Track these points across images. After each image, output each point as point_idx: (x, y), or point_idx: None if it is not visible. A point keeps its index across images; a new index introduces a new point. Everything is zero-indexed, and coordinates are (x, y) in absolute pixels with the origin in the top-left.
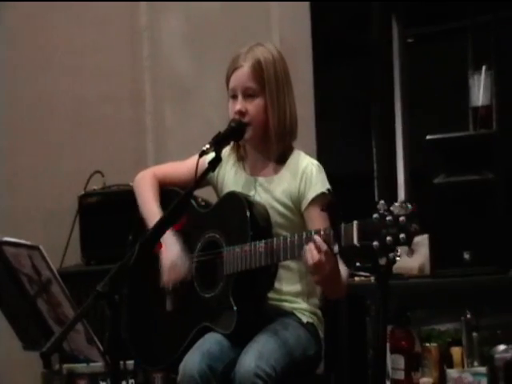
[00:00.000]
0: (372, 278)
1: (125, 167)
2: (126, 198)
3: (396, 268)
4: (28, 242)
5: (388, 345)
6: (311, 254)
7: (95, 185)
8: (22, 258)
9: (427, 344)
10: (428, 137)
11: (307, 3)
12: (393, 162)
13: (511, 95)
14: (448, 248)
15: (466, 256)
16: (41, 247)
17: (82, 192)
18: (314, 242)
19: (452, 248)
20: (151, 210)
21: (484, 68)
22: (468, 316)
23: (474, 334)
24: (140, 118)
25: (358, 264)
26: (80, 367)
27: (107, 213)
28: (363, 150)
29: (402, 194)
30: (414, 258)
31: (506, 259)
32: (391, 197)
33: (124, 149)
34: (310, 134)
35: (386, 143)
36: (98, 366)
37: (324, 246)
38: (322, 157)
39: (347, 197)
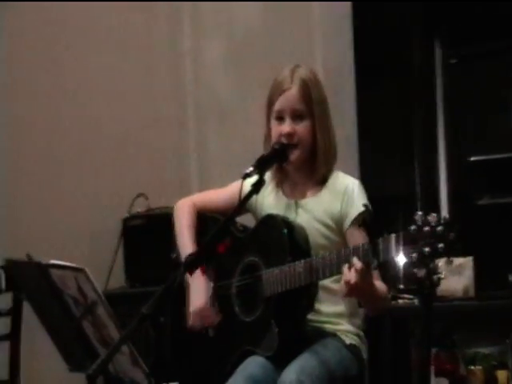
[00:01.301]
0: (416, 301)
1: (168, 190)
2: (170, 221)
3: (440, 291)
4: (73, 265)
5: (432, 368)
6: (346, 274)
7: (139, 207)
8: (68, 280)
9: (472, 367)
10: (472, 158)
11: (349, 24)
12: (435, 183)
13: None
14: (492, 270)
15: (511, 278)
16: (86, 269)
17: (127, 214)
18: (350, 261)
19: (496, 270)
20: (183, 238)
21: None
22: None
23: None
24: (183, 141)
25: (401, 286)
26: None
27: (151, 235)
28: (406, 171)
29: (444, 214)
30: (458, 280)
31: None
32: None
33: (167, 172)
34: (353, 155)
35: (429, 164)
36: None
37: (359, 264)
38: (364, 177)
39: (389, 218)
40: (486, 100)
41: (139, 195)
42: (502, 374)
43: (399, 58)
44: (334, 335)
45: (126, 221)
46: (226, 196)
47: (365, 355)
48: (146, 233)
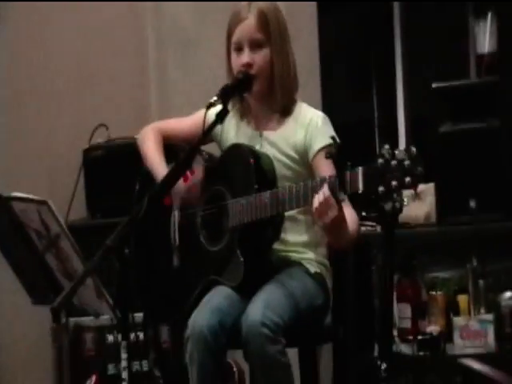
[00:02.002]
0: (378, 228)
1: (128, 120)
2: (131, 151)
3: (402, 217)
4: (36, 197)
5: (395, 294)
6: (315, 200)
7: (99, 138)
8: (31, 213)
9: (433, 292)
10: (434, 85)
11: None
12: (394, 110)
13: None
14: (454, 196)
15: (472, 204)
16: (49, 202)
17: (87, 145)
18: (318, 189)
19: (458, 196)
20: (155, 162)
21: (490, 15)
22: (474, 263)
23: (480, 282)
24: (143, 70)
25: (363, 213)
26: (87, 321)
27: (112, 166)
28: (365, 98)
29: (402, 141)
30: (419, 206)
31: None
32: (392, 144)
33: (127, 102)
34: (315, 83)
35: (387, 91)
36: (105, 319)
37: (327, 193)
38: (325, 105)
39: (348, 145)
40: (445, 27)
41: (99, 126)
42: (462, 299)
43: None
44: (299, 264)
45: (86, 152)
46: (190, 124)
47: (330, 284)
48: (107, 163)
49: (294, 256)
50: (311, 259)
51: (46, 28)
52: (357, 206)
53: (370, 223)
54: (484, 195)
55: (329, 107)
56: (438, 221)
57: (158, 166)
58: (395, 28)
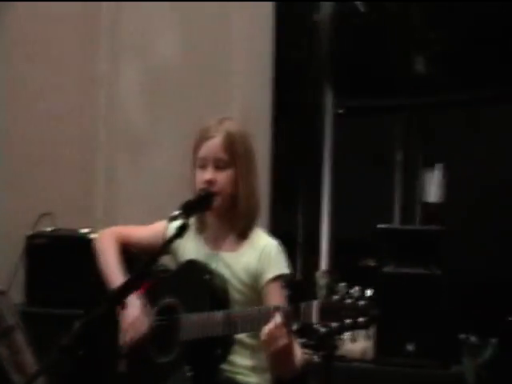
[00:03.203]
0: (316, 357)
1: (74, 212)
2: (75, 243)
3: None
4: None
5: None
6: (266, 328)
7: (43, 227)
8: None
9: None
10: (379, 225)
11: (270, 66)
12: (317, 230)
13: (461, 194)
14: (392, 337)
15: (410, 347)
16: (8, 293)
17: (31, 232)
18: (271, 317)
19: (396, 337)
20: (112, 271)
21: (438, 166)
22: None
23: None
24: (92, 165)
25: (301, 340)
26: None
27: (55, 255)
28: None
29: (323, 262)
30: (357, 342)
31: (449, 354)
32: (313, 264)
33: (75, 194)
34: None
35: (311, 212)
36: None
37: (279, 321)
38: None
39: None
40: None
41: (45, 214)
42: None
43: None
44: None
45: (29, 239)
46: (149, 234)
47: None
48: (50, 253)
49: (241, 378)
50: None
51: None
52: (296, 333)
53: (307, 351)
54: (422, 340)
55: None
56: (375, 359)
57: (116, 278)
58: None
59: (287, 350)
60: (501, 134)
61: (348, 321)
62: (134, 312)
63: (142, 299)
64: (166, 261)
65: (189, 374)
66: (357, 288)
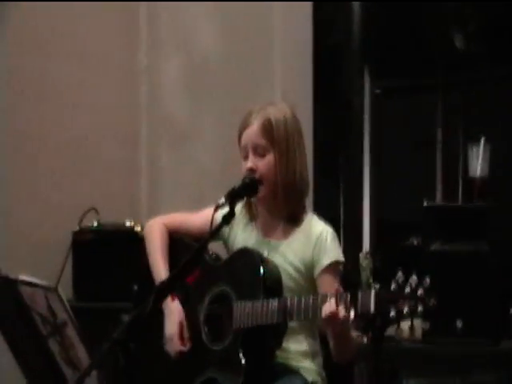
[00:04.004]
0: (364, 338)
1: (118, 206)
2: (120, 237)
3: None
4: (45, 283)
5: None
6: (326, 307)
7: (89, 222)
8: (38, 298)
9: None
10: (425, 203)
11: (310, 53)
12: (359, 214)
13: (505, 169)
14: (441, 315)
15: (459, 324)
16: (59, 289)
17: (77, 228)
18: (331, 302)
19: (445, 315)
20: (157, 262)
21: (483, 139)
22: None
23: None
24: (135, 158)
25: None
26: None
27: (101, 250)
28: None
29: (367, 245)
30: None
31: (499, 331)
32: (356, 246)
33: (119, 188)
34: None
35: (353, 193)
36: None
37: (339, 305)
38: None
39: None
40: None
41: (90, 209)
42: None
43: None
44: (296, 372)
45: (75, 234)
46: (198, 222)
47: None
48: (96, 248)
49: (293, 364)
50: (309, 369)
51: (43, 105)
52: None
53: (356, 333)
54: (471, 317)
55: None
56: (423, 339)
57: (160, 268)
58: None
59: (344, 334)
60: None
61: (406, 309)
62: (171, 327)
63: (179, 309)
64: (218, 250)
65: (243, 362)
66: (415, 277)
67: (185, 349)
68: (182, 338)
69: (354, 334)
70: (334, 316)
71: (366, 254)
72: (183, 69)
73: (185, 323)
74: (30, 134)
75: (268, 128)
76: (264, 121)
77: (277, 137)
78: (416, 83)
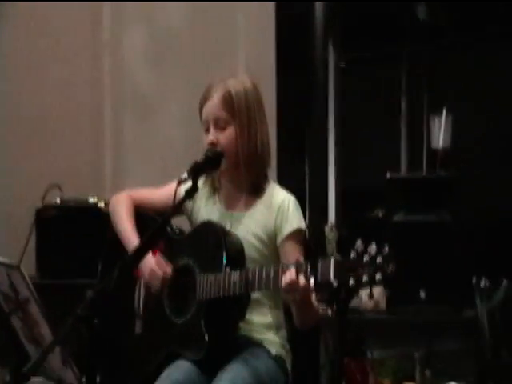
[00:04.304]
0: (329, 311)
1: (82, 182)
2: (84, 213)
3: (351, 302)
4: (8, 261)
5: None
6: (286, 276)
7: (52, 198)
8: (0, 276)
9: (381, 378)
10: (388, 175)
11: (273, 23)
12: (325, 186)
13: (467, 139)
14: (404, 285)
15: (422, 294)
16: (21, 267)
17: (40, 205)
18: (290, 271)
19: (408, 285)
20: (126, 230)
21: (445, 110)
22: (421, 353)
23: (427, 371)
24: (99, 133)
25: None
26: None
27: (64, 227)
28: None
29: (332, 217)
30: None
31: (461, 300)
32: (322, 219)
33: (82, 163)
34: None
35: (318, 166)
36: None
37: (298, 274)
38: None
39: None
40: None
41: (53, 185)
42: None
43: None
44: (259, 344)
45: (39, 211)
46: (162, 196)
47: (289, 367)
48: (59, 224)
49: (256, 336)
50: (273, 341)
51: (4, 78)
52: (324, 291)
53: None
54: (434, 286)
55: None
56: (387, 309)
57: (130, 236)
58: (329, 102)
59: (305, 302)
60: (503, 73)
61: (365, 278)
62: (151, 261)
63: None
64: (180, 223)
65: (206, 334)
66: (374, 245)
67: (167, 275)
68: (161, 266)
69: (316, 303)
70: (293, 284)
71: (332, 226)
72: (147, 41)
73: (161, 258)
74: None
75: (228, 100)
76: (224, 93)
77: (237, 109)
78: (379, 55)
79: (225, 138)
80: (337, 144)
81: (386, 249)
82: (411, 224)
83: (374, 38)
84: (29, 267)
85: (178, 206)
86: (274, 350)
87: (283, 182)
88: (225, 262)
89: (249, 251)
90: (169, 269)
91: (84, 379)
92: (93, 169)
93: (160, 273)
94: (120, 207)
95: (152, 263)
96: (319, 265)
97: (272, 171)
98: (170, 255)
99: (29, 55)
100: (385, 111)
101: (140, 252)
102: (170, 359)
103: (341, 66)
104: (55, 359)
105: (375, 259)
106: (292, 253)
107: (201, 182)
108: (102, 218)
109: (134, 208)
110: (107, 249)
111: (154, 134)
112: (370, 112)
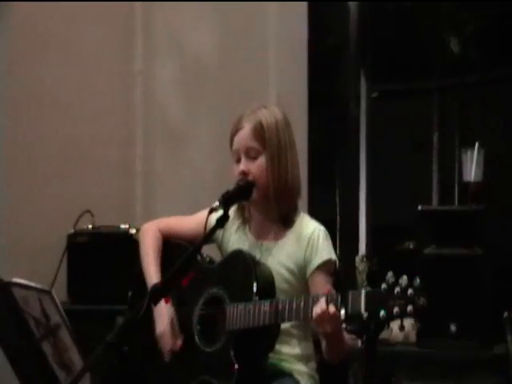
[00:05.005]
0: (358, 342)
1: (113, 209)
2: (115, 240)
3: (381, 334)
4: (39, 286)
5: None
6: (317, 307)
7: (84, 224)
8: (32, 301)
9: None
10: (420, 207)
11: (305, 56)
12: (356, 217)
13: (500, 173)
14: (435, 318)
15: (453, 328)
16: (52, 292)
17: (72, 230)
18: (321, 302)
19: (439, 319)
20: (149, 268)
21: (477, 144)
22: None
23: None
24: (130, 161)
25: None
26: None
27: (95, 253)
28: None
29: (363, 248)
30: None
31: (492, 334)
32: (352, 250)
33: (113, 190)
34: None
35: (349, 197)
36: None
37: (329, 305)
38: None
39: None
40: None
41: (85, 212)
42: None
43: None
44: (290, 375)
45: (70, 237)
46: (192, 225)
47: None
48: (91, 250)
49: (286, 366)
50: (302, 372)
51: (37, 108)
52: (354, 323)
53: (351, 336)
54: (465, 321)
55: None
56: (417, 342)
57: (152, 274)
58: (361, 133)
59: (336, 334)
60: None
61: (396, 309)
62: (161, 327)
63: (170, 310)
64: (210, 252)
65: (235, 364)
66: (405, 277)
67: (176, 347)
68: (173, 336)
69: (348, 336)
70: (324, 316)
71: (362, 257)
72: (178, 72)
73: (176, 322)
74: (25, 138)
75: (259, 131)
76: (255, 124)
77: (268, 139)
78: (412, 87)
79: (256, 167)
80: (368, 175)
81: (417, 281)
82: (442, 257)
83: (406, 68)
84: (60, 293)
85: (209, 235)
86: (303, 381)
87: (314, 214)
88: (255, 291)
89: (278, 282)
90: (179, 342)
91: None
92: (124, 197)
93: (170, 344)
94: (147, 241)
95: (165, 328)
96: (350, 296)
97: (303, 202)
98: (200, 284)
99: (63, 84)
100: (416, 144)
101: (170, 280)
102: None
103: (372, 96)
104: None
105: (406, 291)
106: (322, 284)
107: (232, 211)
108: (132, 245)
109: (161, 240)
110: (137, 276)
111: (184, 164)
112: (402, 143)
